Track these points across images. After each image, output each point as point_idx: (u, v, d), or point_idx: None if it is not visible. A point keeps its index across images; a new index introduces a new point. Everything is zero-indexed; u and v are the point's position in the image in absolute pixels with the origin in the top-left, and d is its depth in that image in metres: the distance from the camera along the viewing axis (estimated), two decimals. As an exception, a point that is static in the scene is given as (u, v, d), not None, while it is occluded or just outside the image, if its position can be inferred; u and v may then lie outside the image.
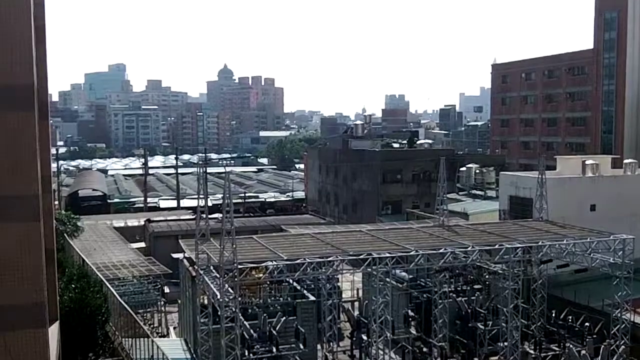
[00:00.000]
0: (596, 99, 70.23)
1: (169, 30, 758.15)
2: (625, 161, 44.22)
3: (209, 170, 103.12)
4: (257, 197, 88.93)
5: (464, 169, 59.38)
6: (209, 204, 30.14)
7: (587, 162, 41.19)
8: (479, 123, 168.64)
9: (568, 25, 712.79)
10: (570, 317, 30.51)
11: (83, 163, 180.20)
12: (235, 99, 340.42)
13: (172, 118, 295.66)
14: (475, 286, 33.97)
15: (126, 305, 25.71)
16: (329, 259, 25.29)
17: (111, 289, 28.12)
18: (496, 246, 27.65)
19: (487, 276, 33.78)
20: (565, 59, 75.64)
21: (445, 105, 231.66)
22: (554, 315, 31.36)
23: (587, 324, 29.59)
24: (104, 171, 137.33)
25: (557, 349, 30.13)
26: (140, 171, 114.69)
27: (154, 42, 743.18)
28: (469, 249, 27.14)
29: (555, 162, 45.09)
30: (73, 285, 24.53)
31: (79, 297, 23.82)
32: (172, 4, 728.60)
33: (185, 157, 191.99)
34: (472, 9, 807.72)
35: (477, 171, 58.16)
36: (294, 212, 70.54)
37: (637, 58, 66.41)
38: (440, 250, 26.69)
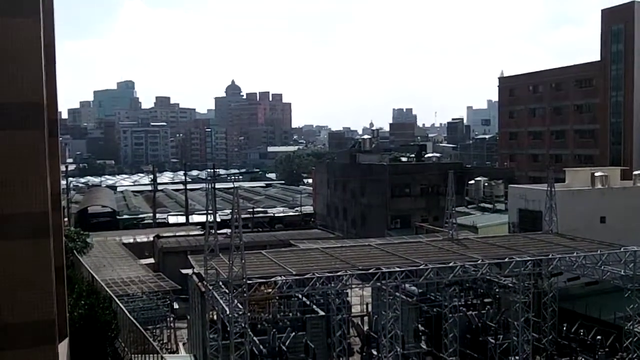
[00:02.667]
0: (604, 110, 70.07)
1: (177, 48, 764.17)
2: (635, 172, 44.00)
3: (218, 185, 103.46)
4: (265, 212, 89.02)
5: (472, 182, 59.25)
6: (218, 219, 30.21)
7: (596, 174, 41.03)
8: (486, 136, 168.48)
9: (575, 37, 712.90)
10: (581, 331, 30.23)
11: (92, 180, 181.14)
12: (243, 115, 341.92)
13: (181, 134, 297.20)
14: (486, 300, 33.73)
15: (135, 322, 25.70)
16: (338, 274, 25.22)
17: (120, 305, 28.12)
18: (506, 259, 27.51)
19: (497, 290, 33.56)
20: (573, 71, 75.60)
21: (452, 119, 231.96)
22: (565, 328, 31.07)
23: (599, 337, 29.30)
24: (113, 187, 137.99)
25: (569, 363, 29.84)
26: (149, 187, 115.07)
27: (162, 60, 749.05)
28: (479, 262, 27.01)
29: (564, 175, 44.91)
30: (82, 302, 24.55)
31: (88, 313, 23.82)
32: (180, 21, 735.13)
33: (194, 172, 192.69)
34: (479, 22, 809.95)
35: (486, 184, 58.01)
36: (303, 227, 70.53)
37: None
38: (450, 264, 26.56)
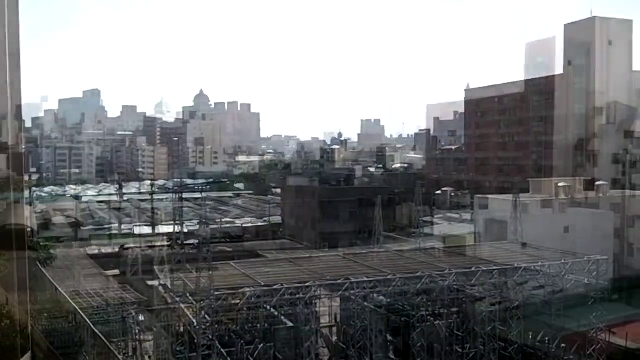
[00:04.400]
0: (566, 122, 71.54)
1: (145, 56, 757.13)
2: (597, 183, 45.00)
3: (185, 195, 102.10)
4: (233, 222, 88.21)
5: (439, 192, 59.85)
6: (185, 230, 29.91)
7: (559, 185, 41.85)
8: (453, 147, 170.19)
9: (541, 50, 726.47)
10: (546, 339, 30.63)
11: (56, 189, 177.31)
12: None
13: (147, 143, 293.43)
14: (453, 309, 33.93)
15: (100, 334, 25.23)
16: (306, 284, 25.17)
17: (85, 317, 27.58)
18: (472, 268, 27.80)
19: (464, 299, 33.80)
20: (536, 83, 77.07)
21: (420, 130, 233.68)
22: (530, 336, 31.45)
23: (563, 345, 29.74)
24: (77, 197, 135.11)
25: (534, 370, 30.18)
26: (114, 197, 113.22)
27: (129, 68, 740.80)
28: (446, 271, 27.24)
29: (528, 185, 45.67)
30: (45, 314, 24.05)
31: (51, 326, 23.34)
32: (147, 30, 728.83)
33: (160, 182, 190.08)
34: (446, 35, 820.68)
35: (452, 194, 58.67)
36: (271, 237, 70.11)
37: (606, 83, 68.06)
38: (417, 274, 26.74)
